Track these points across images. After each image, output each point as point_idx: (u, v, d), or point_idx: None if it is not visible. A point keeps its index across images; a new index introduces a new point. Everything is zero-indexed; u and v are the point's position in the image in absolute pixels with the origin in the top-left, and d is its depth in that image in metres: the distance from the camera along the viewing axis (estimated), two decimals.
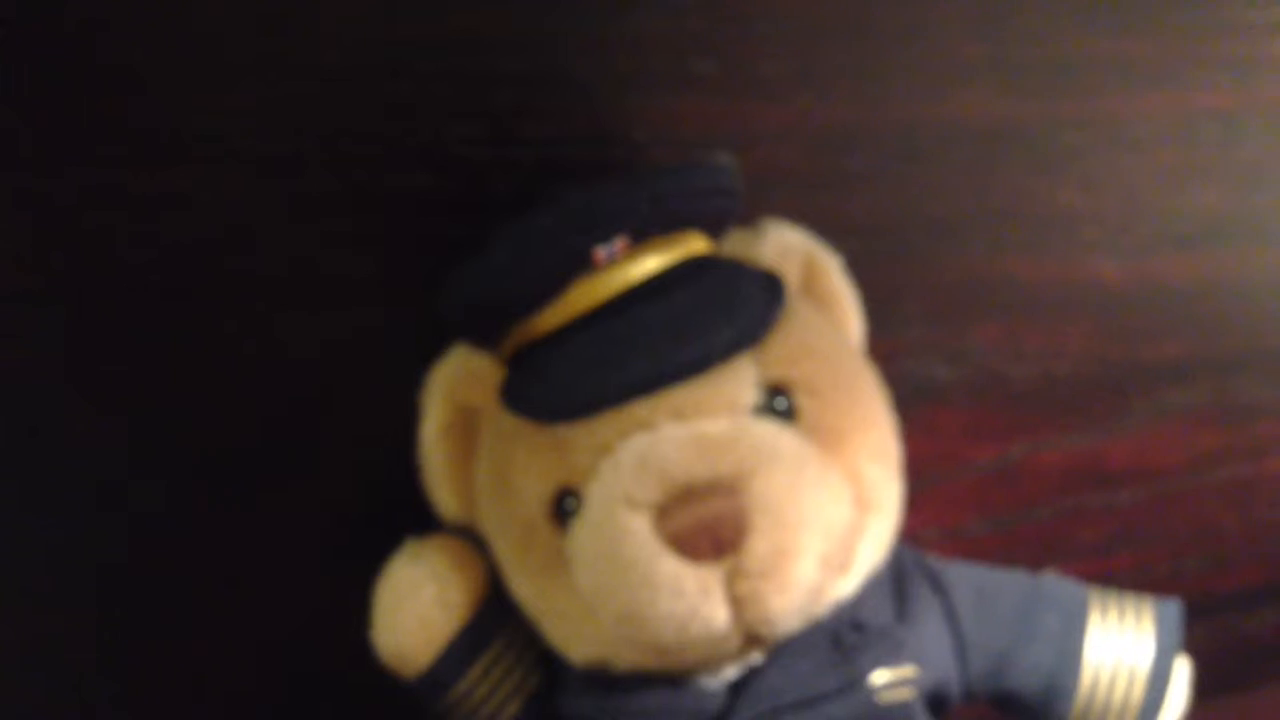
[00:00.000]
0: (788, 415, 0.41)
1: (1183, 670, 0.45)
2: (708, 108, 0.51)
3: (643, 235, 0.42)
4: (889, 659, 0.41)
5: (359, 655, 0.45)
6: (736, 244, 0.46)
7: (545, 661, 0.45)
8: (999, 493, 0.56)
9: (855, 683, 0.41)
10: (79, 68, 0.46)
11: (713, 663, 0.41)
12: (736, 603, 0.39)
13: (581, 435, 0.41)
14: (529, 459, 0.42)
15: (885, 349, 0.48)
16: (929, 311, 0.54)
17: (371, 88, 0.49)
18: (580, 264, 0.41)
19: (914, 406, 0.46)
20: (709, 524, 0.39)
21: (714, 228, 0.45)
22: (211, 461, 0.50)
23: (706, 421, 0.40)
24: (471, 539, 0.45)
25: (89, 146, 0.47)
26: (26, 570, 0.50)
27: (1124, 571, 0.57)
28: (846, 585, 0.42)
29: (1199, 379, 0.56)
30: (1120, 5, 0.53)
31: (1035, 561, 0.49)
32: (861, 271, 0.48)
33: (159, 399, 0.49)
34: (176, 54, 0.47)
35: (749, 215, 0.47)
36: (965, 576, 0.45)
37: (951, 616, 0.44)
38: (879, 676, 0.41)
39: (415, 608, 0.44)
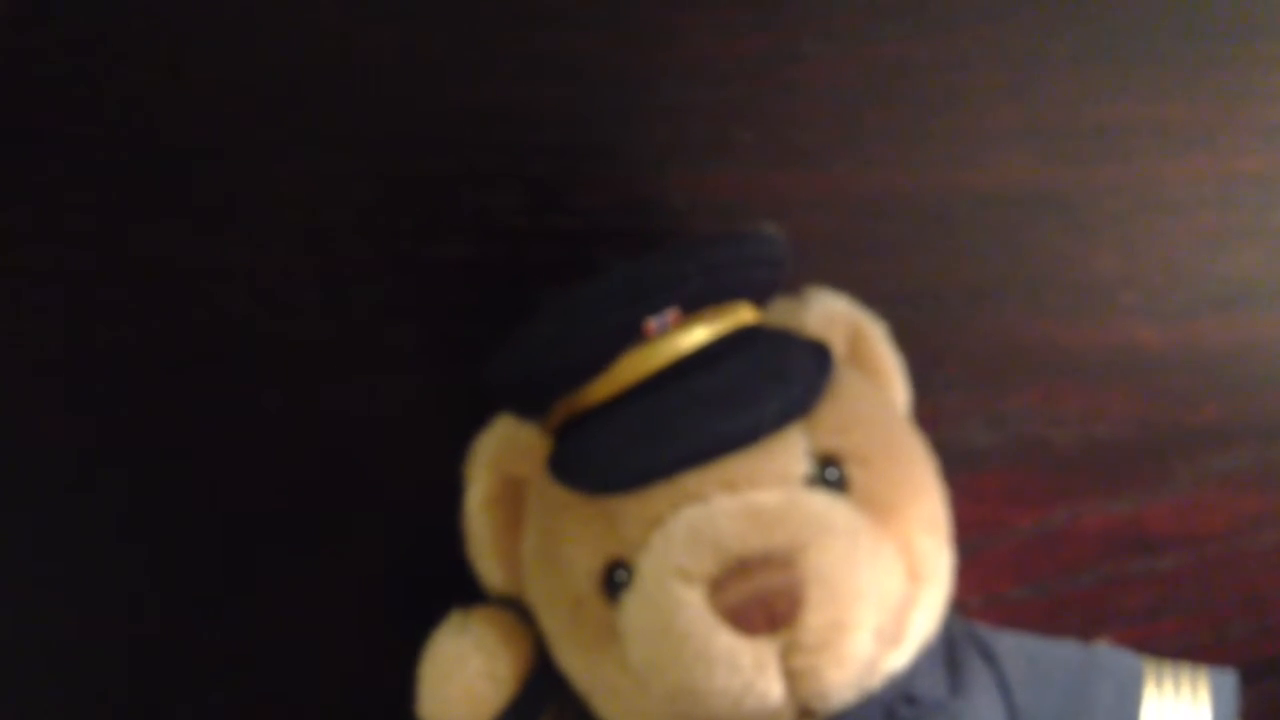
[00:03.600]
0: (839, 486, 0.41)
1: None
2: (746, 176, 0.51)
3: (693, 306, 0.42)
4: None
5: None
6: (782, 313, 0.46)
7: None
8: (1040, 558, 0.56)
9: None
10: (123, 143, 0.47)
11: None
12: (791, 677, 0.39)
13: (632, 507, 0.41)
14: (578, 531, 0.42)
15: (924, 414, 0.48)
16: (968, 377, 0.54)
17: (413, 158, 0.49)
18: (631, 335, 0.41)
19: (954, 472, 0.46)
20: (764, 597, 0.38)
21: (761, 297, 0.45)
22: (252, 531, 0.50)
23: (758, 493, 0.40)
24: (518, 610, 0.45)
25: (132, 218, 0.47)
26: (59, 638, 0.50)
27: (1168, 638, 0.57)
28: (900, 657, 0.41)
29: (1240, 443, 0.56)
30: (1156, 70, 0.53)
31: (1078, 628, 0.48)
32: (900, 338, 0.48)
33: (199, 466, 0.49)
34: (220, 128, 0.47)
35: (787, 283, 0.47)
36: (1017, 647, 0.45)
37: (1004, 688, 0.44)
38: None
39: (462, 681, 0.44)
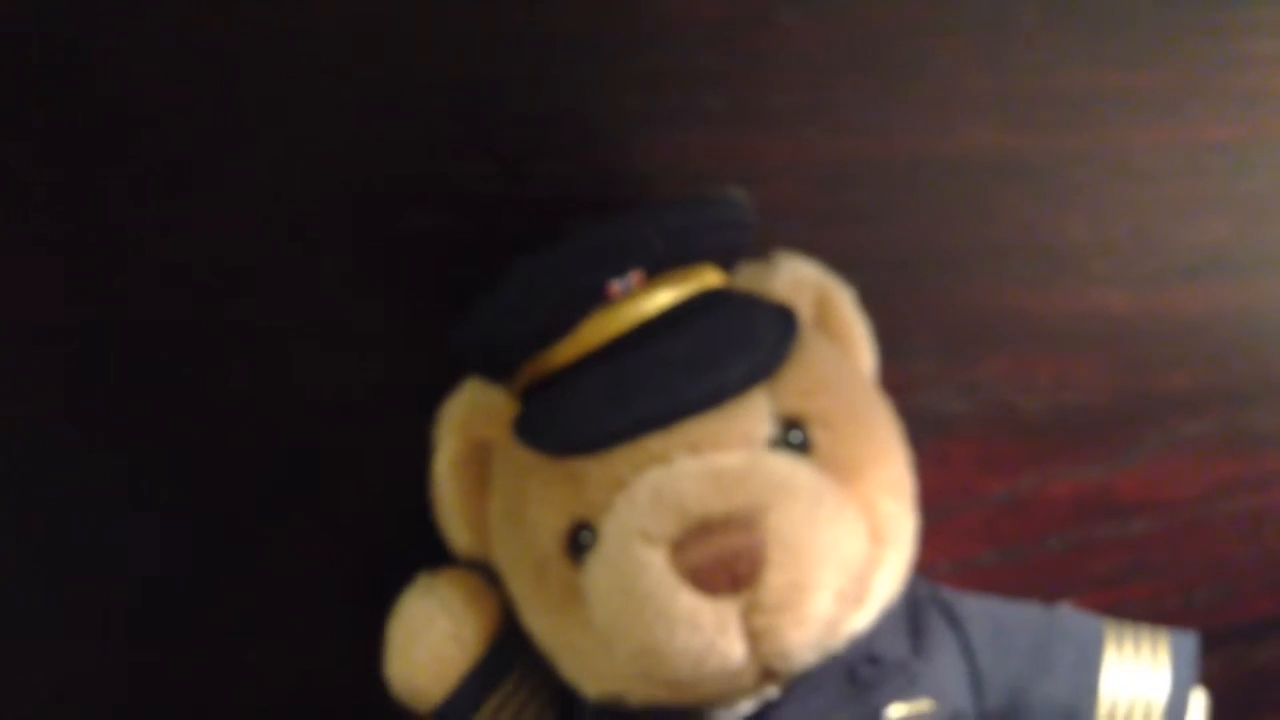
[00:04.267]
0: (803, 448, 0.41)
1: (1199, 703, 0.45)
2: (717, 142, 0.51)
3: (657, 269, 0.42)
4: (905, 693, 0.41)
5: (373, 692, 0.45)
6: (749, 277, 0.46)
7: (560, 696, 0.44)
8: (1009, 524, 0.56)
9: (871, 717, 0.41)
10: (91, 111, 0.47)
11: (728, 697, 0.41)
12: (753, 637, 0.39)
13: (596, 469, 0.41)
14: (543, 493, 0.42)
15: (894, 382, 0.48)
16: (938, 344, 0.54)
17: (383, 128, 0.49)
18: (595, 298, 0.41)
19: (924, 439, 0.46)
20: (725, 558, 0.39)
21: (727, 261, 0.45)
22: (223, 503, 0.50)
23: (721, 455, 0.40)
24: (485, 573, 0.45)
25: (101, 191, 0.47)
26: (38, 615, 0.50)
27: (1136, 603, 0.57)
28: (862, 619, 0.42)
29: (1209, 410, 0.56)
30: (1126, 38, 0.53)
31: (1046, 593, 0.49)
32: (870, 305, 0.48)
33: (170, 442, 0.50)
34: (191, 98, 0.47)
35: (757, 249, 0.47)
36: (980, 609, 0.45)
37: (967, 650, 0.44)
38: (895, 710, 0.41)
39: (428, 643, 0.44)
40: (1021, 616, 0.45)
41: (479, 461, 0.45)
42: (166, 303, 0.49)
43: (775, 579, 0.39)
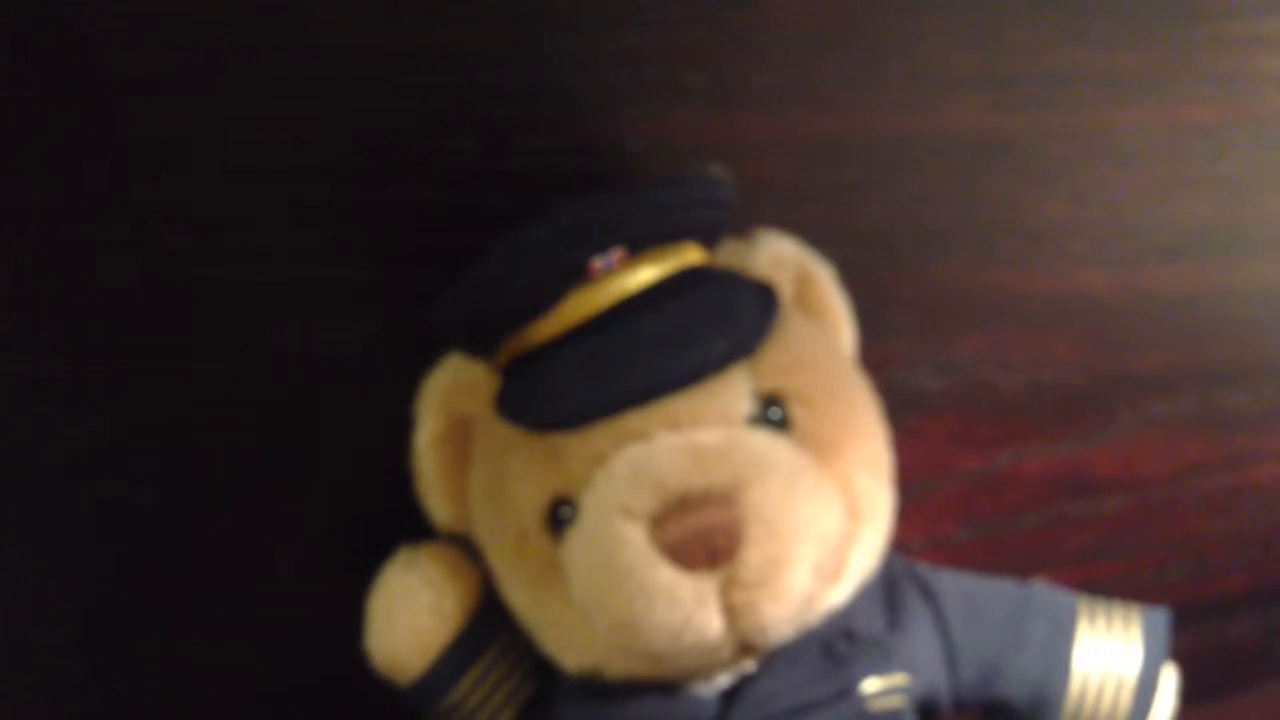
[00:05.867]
0: (782, 425, 0.42)
1: (1170, 678, 0.45)
2: (699, 119, 0.51)
3: (639, 246, 0.42)
4: (880, 667, 0.42)
5: (354, 662, 0.45)
6: (730, 254, 0.46)
7: (539, 669, 0.45)
8: (985, 501, 0.57)
9: (847, 691, 0.41)
10: (75, 79, 0.47)
11: (706, 671, 0.41)
12: (730, 612, 0.40)
13: (576, 445, 0.41)
14: (524, 468, 0.42)
15: (873, 358, 0.48)
16: (917, 321, 0.55)
17: (367, 100, 0.49)
18: (576, 275, 0.41)
19: (901, 415, 0.47)
20: (704, 534, 0.39)
21: (708, 238, 0.45)
22: (207, 471, 0.50)
23: (701, 432, 0.40)
24: (466, 547, 0.45)
25: (85, 158, 0.47)
26: (19, 579, 0.50)
27: (1109, 579, 0.58)
28: (838, 594, 0.42)
29: (1184, 389, 0.57)
30: (1108, 19, 0.53)
31: (1021, 569, 0.49)
32: (850, 282, 0.48)
33: (154, 409, 0.49)
34: (173, 66, 0.47)
35: (739, 226, 0.47)
36: (955, 585, 0.45)
37: (942, 625, 0.44)
38: (870, 685, 0.42)
39: (409, 615, 0.44)
40: (995, 592, 0.46)
41: (460, 437, 0.45)
42: (149, 271, 0.49)
43: (753, 555, 0.39)
